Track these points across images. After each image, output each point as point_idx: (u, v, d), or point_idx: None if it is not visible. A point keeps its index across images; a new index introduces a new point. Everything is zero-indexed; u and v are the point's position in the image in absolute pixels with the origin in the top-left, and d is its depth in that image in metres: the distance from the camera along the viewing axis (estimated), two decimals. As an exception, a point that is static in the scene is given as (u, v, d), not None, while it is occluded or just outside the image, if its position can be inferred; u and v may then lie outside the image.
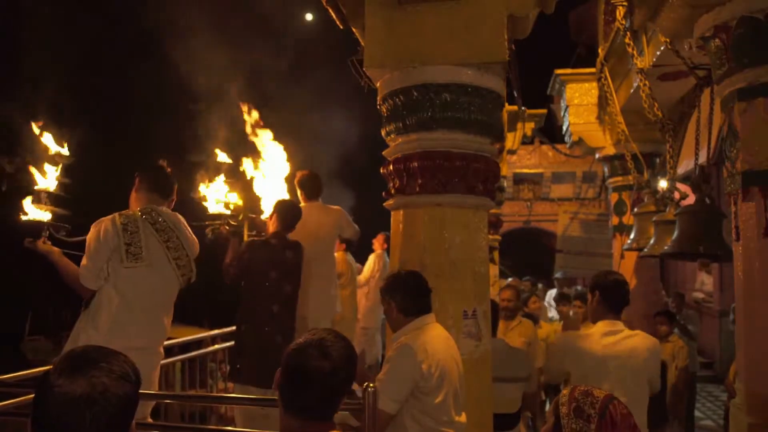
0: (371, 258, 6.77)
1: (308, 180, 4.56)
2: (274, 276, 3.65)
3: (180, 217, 3.00)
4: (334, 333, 1.55)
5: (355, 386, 2.53)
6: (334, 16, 3.08)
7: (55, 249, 2.84)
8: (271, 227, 3.81)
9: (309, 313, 4.13)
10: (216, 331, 5.05)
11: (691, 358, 5.61)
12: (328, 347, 1.48)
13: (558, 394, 1.67)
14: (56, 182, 2.99)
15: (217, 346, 4.91)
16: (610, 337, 2.79)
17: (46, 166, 2.97)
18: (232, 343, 4.92)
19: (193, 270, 2.95)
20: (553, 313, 8.57)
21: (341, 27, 3.15)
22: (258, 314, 3.59)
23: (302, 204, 4.57)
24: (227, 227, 3.65)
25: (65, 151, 3.04)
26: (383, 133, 2.86)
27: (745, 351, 2.85)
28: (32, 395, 2.75)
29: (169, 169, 3.03)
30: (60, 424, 1.08)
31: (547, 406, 4.94)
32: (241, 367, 3.55)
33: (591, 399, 1.58)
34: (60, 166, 3.00)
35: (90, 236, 2.76)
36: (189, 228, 3.03)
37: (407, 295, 2.47)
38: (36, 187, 2.94)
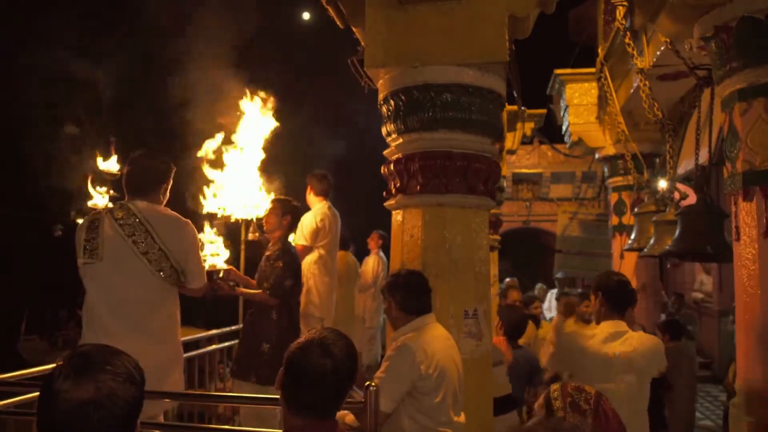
0: (370, 259, 6.79)
1: (329, 181, 4.74)
2: (300, 280, 3.87)
3: (161, 210, 2.85)
4: (335, 331, 1.56)
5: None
6: (334, 16, 3.07)
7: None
8: (282, 228, 3.85)
9: (325, 314, 4.26)
10: (214, 331, 5.05)
11: (691, 361, 5.60)
12: (329, 345, 1.49)
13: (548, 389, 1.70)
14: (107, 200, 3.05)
15: (214, 346, 4.91)
16: (614, 339, 2.80)
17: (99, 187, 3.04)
18: (232, 343, 4.94)
19: (176, 265, 2.77)
20: (553, 312, 8.58)
21: (341, 27, 3.14)
22: (296, 318, 3.75)
23: (320, 205, 4.64)
24: (221, 282, 3.50)
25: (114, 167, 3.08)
26: (384, 132, 2.85)
27: (745, 351, 2.85)
28: (33, 394, 2.74)
29: (146, 162, 2.87)
30: (66, 429, 1.08)
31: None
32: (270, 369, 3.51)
33: (585, 395, 1.63)
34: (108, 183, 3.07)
35: None
36: (178, 222, 2.85)
37: (407, 294, 2.47)
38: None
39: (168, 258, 2.74)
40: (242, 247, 4.24)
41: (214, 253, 3.57)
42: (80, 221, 2.82)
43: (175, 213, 2.89)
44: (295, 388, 1.49)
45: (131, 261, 2.71)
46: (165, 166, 2.92)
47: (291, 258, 3.76)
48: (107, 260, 2.69)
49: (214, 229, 3.65)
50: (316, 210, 4.63)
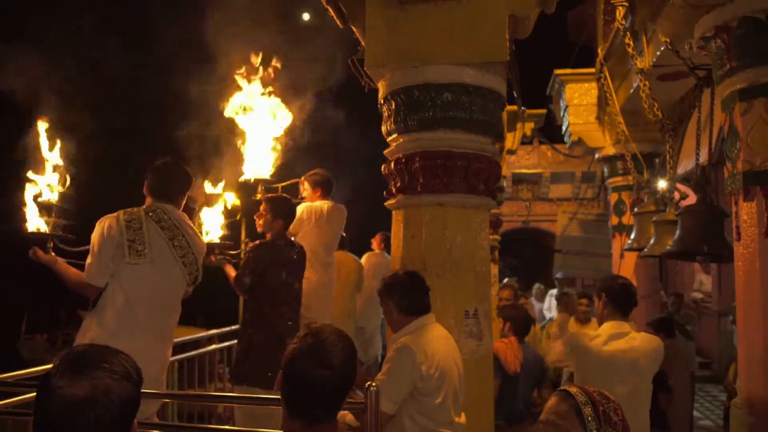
0: (364, 258, 6.76)
1: (327, 179, 4.63)
2: (284, 277, 3.67)
3: (186, 217, 2.97)
4: (334, 333, 1.52)
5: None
6: (334, 16, 3.07)
7: (59, 258, 2.87)
8: (274, 230, 3.77)
9: (313, 314, 4.17)
10: (214, 331, 5.05)
11: (689, 358, 5.60)
12: (328, 353, 1.45)
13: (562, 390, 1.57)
14: (58, 194, 3.04)
15: (214, 346, 4.90)
16: (617, 339, 2.82)
17: (50, 178, 3.03)
18: (232, 342, 4.94)
19: (200, 270, 2.93)
20: (553, 313, 8.57)
21: (341, 26, 3.14)
22: (269, 317, 3.57)
23: (320, 202, 4.58)
24: (216, 257, 3.58)
25: (60, 161, 3.08)
26: (384, 132, 2.85)
27: (746, 351, 2.85)
28: (32, 394, 2.73)
29: (175, 169, 2.97)
30: (62, 426, 1.07)
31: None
32: (248, 369, 3.51)
33: (613, 404, 1.51)
34: (65, 177, 3.06)
35: (94, 234, 2.75)
36: (194, 229, 3.01)
37: (406, 295, 2.46)
38: (39, 200, 3.00)
39: (196, 263, 2.89)
40: (242, 246, 4.20)
41: (208, 231, 3.66)
42: (113, 219, 2.77)
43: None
44: (293, 395, 1.47)
45: (171, 264, 2.81)
46: (190, 176, 3.02)
47: (256, 256, 3.61)
48: (155, 262, 2.74)
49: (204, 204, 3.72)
50: (313, 204, 4.59)
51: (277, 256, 3.68)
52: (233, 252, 3.74)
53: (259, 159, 4.21)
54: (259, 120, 4.20)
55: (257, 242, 3.75)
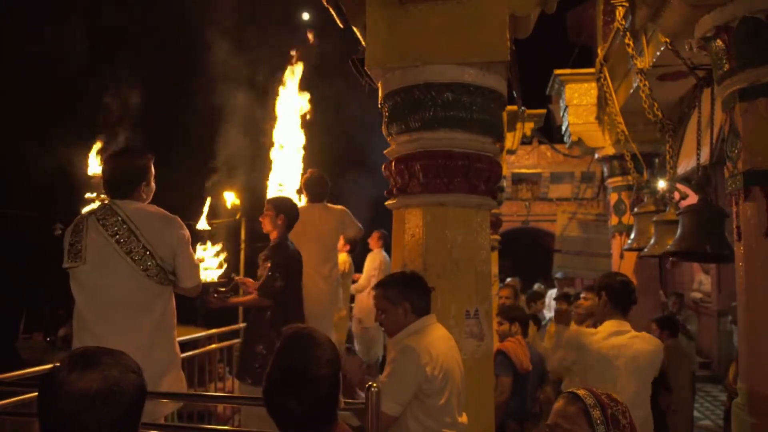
0: (369, 257, 6.76)
1: (315, 182, 4.56)
2: (297, 278, 3.69)
3: (146, 208, 2.76)
4: (314, 349, 1.45)
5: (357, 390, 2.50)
6: (334, 16, 3.07)
7: None
8: (278, 228, 3.76)
9: (310, 313, 4.12)
10: (214, 331, 5.04)
11: (690, 358, 5.60)
12: (293, 385, 1.40)
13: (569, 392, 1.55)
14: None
15: (214, 346, 4.90)
16: (617, 337, 2.82)
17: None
18: (232, 342, 4.94)
19: (160, 263, 2.67)
20: (552, 312, 8.56)
21: (342, 26, 3.14)
22: (297, 318, 3.56)
23: (305, 204, 4.57)
24: (213, 297, 3.44)
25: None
26: (384, 132, 2.85)
27: (747, 351, 2.85)
28: (30, 394, 2.71)
29: (122, 161, 2.77)
30: (73, 421, 1.08)
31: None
32: (260, 369, 3.46)
33: (621, 407, 1.49)
34: None
35: None
36: (164, 219, 2.76)
37: (421, 295, 2.43)
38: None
39: (153, 256, 2.65)
40: (242, 246, 4.21)
41: (207, 267, 3.49)
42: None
43: (162, 210, 2.79)
44: (273, 416, 1.45)
45: (115, 262, 2.63)
46: (143, 161, 2.81)
47: (278, 257, 3.58)
48: (90, 263, 2.62)
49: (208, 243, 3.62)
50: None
51: (293, 258, 3.72)
52: (225, 289, 3.53)
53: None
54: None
55: (273, 244, 3.70)
